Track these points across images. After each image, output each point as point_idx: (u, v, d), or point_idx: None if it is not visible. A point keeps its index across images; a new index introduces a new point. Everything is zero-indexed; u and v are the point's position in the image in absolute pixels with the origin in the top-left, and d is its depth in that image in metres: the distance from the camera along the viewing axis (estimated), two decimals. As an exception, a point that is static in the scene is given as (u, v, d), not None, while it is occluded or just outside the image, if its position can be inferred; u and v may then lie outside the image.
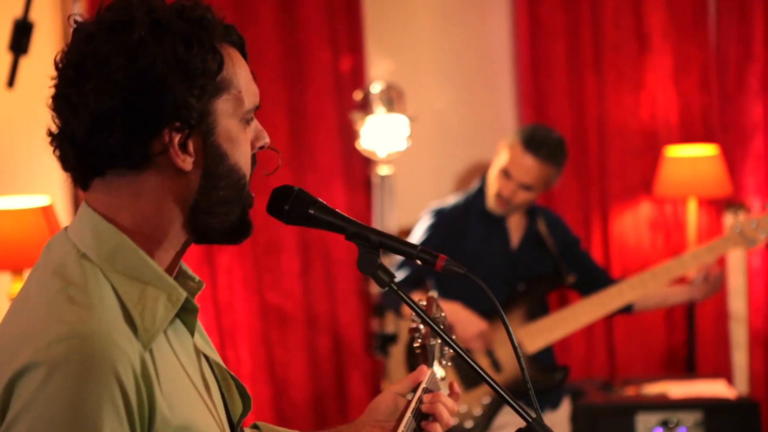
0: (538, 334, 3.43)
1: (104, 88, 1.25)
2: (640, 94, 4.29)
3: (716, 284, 3.41)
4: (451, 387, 1.68)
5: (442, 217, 3.54)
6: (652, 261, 4.27)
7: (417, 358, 1.76)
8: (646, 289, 3.42)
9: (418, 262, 1.43)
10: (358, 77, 4.06)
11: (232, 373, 1.45)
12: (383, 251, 1.44)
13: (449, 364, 1.76)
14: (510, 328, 1.43)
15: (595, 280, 3.54)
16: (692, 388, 3.86)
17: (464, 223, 3.51)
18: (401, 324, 3.56)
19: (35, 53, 2.93)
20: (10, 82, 2.89)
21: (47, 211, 3.09)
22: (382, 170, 3.92)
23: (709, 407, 3.72)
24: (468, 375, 3.40)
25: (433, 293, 1.75)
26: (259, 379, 3.97)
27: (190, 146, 1.29)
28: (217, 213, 1.33)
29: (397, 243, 1.44)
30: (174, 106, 1.26)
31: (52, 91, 1.30)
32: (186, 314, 1.35)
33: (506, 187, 3.41)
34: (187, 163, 1.29)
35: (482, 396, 3.40)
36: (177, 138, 1.28)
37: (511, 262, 3.51)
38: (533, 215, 3.56)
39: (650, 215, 4.33)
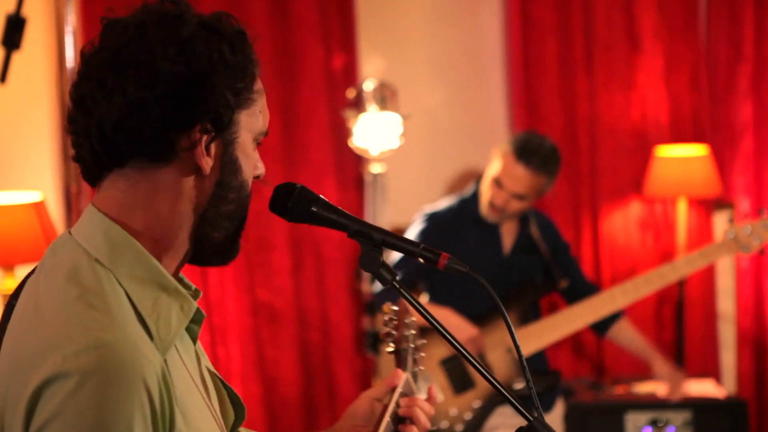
0: (531, 339, 3.44)
1: (146, 75, 1.24)
2: (630, 94, 4.30)
3: (679, 387, 3.67)
4: (429, 391, 1.70)
5: (434, 221, 3.54)
6: (641, 260, 4.29)
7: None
8: (639, 294, 3.43)
9: (421, 260, 1.43)
10: (350, 75, 4.05)
11: (225, 382, 1.45)
12: (385, 249, 1.43)
13: (422, 368, 1.81)
14: (511, 325, 1.43)
15: (579, 288, 3.56)
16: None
17: (458, 228, 3.51)
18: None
19: (27, 48, 2.91)
20: (2, 77, 2.86)
21: (39, 207, 3.07)
22: (375, 168, 3.92)
23: (698, 406, 3.74)
24: (459, 379, 3.41)
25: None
26: (249, 376, 3.96)
27: (212, 150, 1.29)
28: (219, 227, 1.34)
29: (399, 241, 1.43)
30: (213, 103, 1.27)
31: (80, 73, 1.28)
32: (193, 323, 1.36)
33: (499, 197, 3.40)
34: (208, 165, 1.29)
35: (473, 400, 3.40)
36: (204, 138, 1.28)
37: (504, 268, 3.51)
38: (526, 219, 3.56)
39: (640, 215, 4.33)
